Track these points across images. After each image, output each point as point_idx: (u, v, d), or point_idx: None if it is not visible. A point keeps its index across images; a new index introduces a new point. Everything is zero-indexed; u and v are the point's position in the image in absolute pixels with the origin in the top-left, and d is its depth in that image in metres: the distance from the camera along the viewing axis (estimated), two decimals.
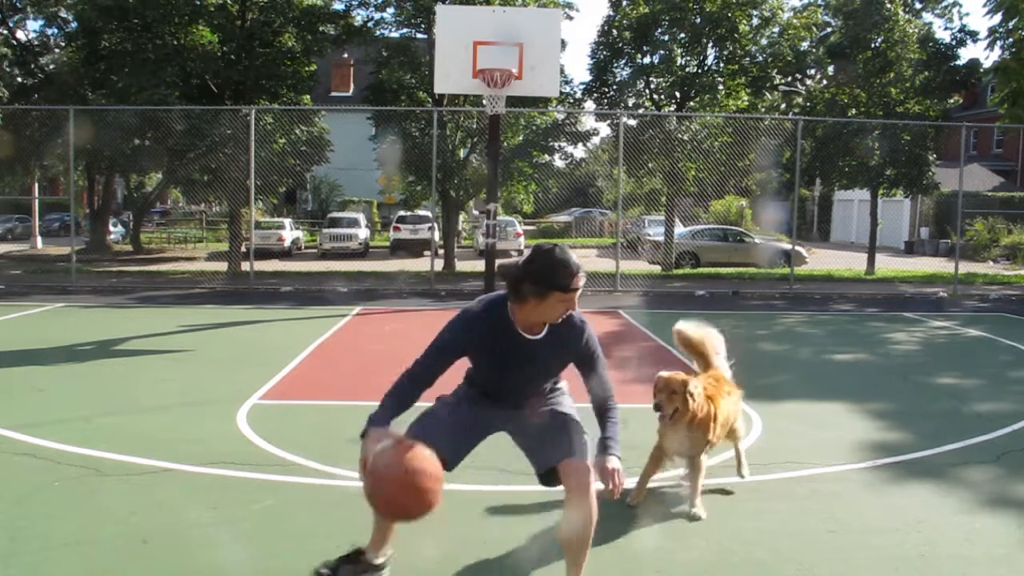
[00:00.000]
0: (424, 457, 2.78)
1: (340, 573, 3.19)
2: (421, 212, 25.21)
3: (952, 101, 20.55)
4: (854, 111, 19.43)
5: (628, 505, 4.18)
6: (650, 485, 4.42)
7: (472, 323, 3.03)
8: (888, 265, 21.48)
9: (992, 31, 18.11)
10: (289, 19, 17.68)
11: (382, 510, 2.88)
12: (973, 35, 19.41)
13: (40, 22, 21.95)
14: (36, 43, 21.93)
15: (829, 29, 20.75)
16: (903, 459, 5.06)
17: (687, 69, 19.11)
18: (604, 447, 3.01)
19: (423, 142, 18.18)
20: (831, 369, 8.45)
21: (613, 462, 2.95)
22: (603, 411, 3.13)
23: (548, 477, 3.18)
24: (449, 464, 3.07)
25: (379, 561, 3.21)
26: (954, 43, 19.21)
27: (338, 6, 18.84)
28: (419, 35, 19.59)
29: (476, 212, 32.30)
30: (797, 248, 18.80)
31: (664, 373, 4.13)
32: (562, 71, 17.18)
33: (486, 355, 3.07)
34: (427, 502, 2.72)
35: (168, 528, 3.83)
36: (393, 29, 19.80)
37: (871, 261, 19.89)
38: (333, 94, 39.33)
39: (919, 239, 31.77)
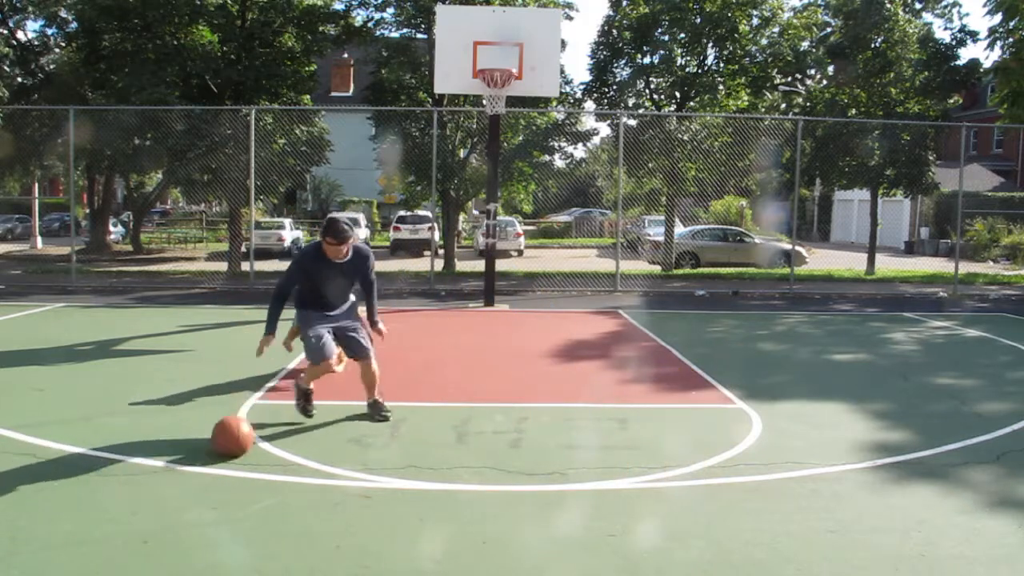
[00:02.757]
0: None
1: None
2: (421, 212, 25.21)
3: (952, 101, 20.54)
4: (854, 111, 19.43)
5: None
6: (650, 485, 4.41)
7: (310, 254, 5.66)
8: (888, 265, 21.48)
9: (992, 31, 18.11)
10: (289, 19, 17.67)
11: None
12: (973, 35, 19.41)
13: (40, 22, 21.94)
14: (36, 43, 21.93)
15: (829, 29, 20.74)
16: (903, 459, 5.06)
17: (687, 69, 19.11)
18: (372, 318, 5.95)
19: (423, 142, 18.19)
20: (831, 369, 8.45)
21: (380, 326, 5.93)
22: (366, 290, 5.85)
23: (350, 356, 6.00)
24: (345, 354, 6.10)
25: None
26: (954, 43, 19.21)
27: (338, 6, 18.84)
28: (419, 35, 19.58)
29: (476, 212, 32.34)
30: (797, 248, 18.80)
31: None
32: (562, 71, 17.17)
33: (314, 275, 5.64)
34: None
35: (168, 528, 3.83)
36: (393, 29, 19.81)
37: (871, 261, 19.89)
38: (333, 94, 39.35)
39: (919, 239, 31.78)
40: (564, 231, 35.73)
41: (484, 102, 11.50)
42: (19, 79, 21.03)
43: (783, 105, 21.39)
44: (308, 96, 19.04)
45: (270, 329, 5.64)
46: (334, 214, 24.62)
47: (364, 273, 5.73)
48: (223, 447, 4.86)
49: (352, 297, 5.93)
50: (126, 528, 3.82)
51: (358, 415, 5.95)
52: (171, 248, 27.60)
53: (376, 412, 5.82)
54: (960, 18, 27.80)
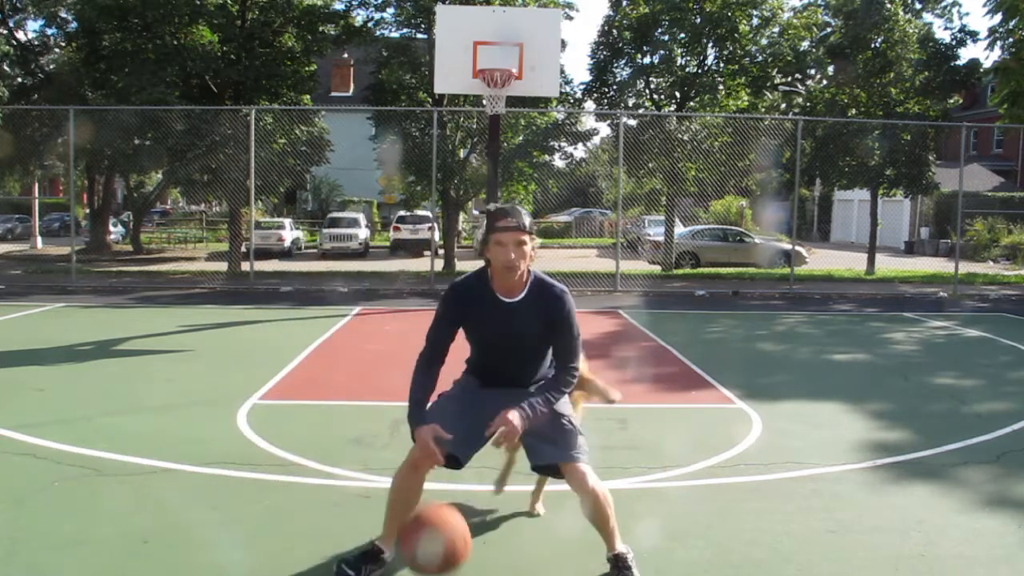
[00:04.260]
0: (461, 547, 2.90)
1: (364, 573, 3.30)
2: (421, 212, 25.21)
3: (952, 101, 20.54)
4: (854, 111, 19.43)
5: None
6: (650, 485, 4.41)
7: (457, 288, 3.32)
8: (888, 265, 21.48)
9: (992, 31, 18.14)
10: (289, 19, 17.68)
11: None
12: (973, 35, 19.43)
13: (40, 22, 21.99)
14: (36, 43, 21.94)
15: (829, 29, 20.73)
16: (903, 459, 5.05)
17: (687, 69, 19.11)
18: (525, 399, 3.20)
19: (423, 142, 18.19)
20: (831, 369, 8.45)
21: (513, 415, 3.09)
22: (557, 371, 3.34)
23: (541, 469, 3.42)
24: (460, 462, 3.31)
25: (390, 557, 3.36)
26: (954, 43, 19.22)
27: (338, 6, 18.85)
28: (419, 35, 19.58)
29: (476, 212, 32.34)
30: (797, 248, 18.79)
31: None
32: (562, 71, 17.18)
33: (472, 320, 3.29)
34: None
35: (168, 528, 3.83)
36: (393, 29, 19.82)
37: (871, 261, 19.89)
38: (333, 94, 39.34)
39: (919, 239, 31.77)
40: (564, 231, 35.72)
41: (484, 102, 11.49)
42: (19, 79, 21.04)
43: (783, 105, 21.39)
44: (308, 96, 19.04)
45: (416, 418, 3.19)
46: (334, 214, 24.40)
47: (555, 322, 3.26)
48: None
49: (560, 371, 3.35)
50: (126, 528, 3.81)
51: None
52: (171, 248, 27.59)
53: (620, 571, 3.28)
54: (960, 18, 27.79)
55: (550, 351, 3.39)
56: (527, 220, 3.18)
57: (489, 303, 3.23)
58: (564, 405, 3.39)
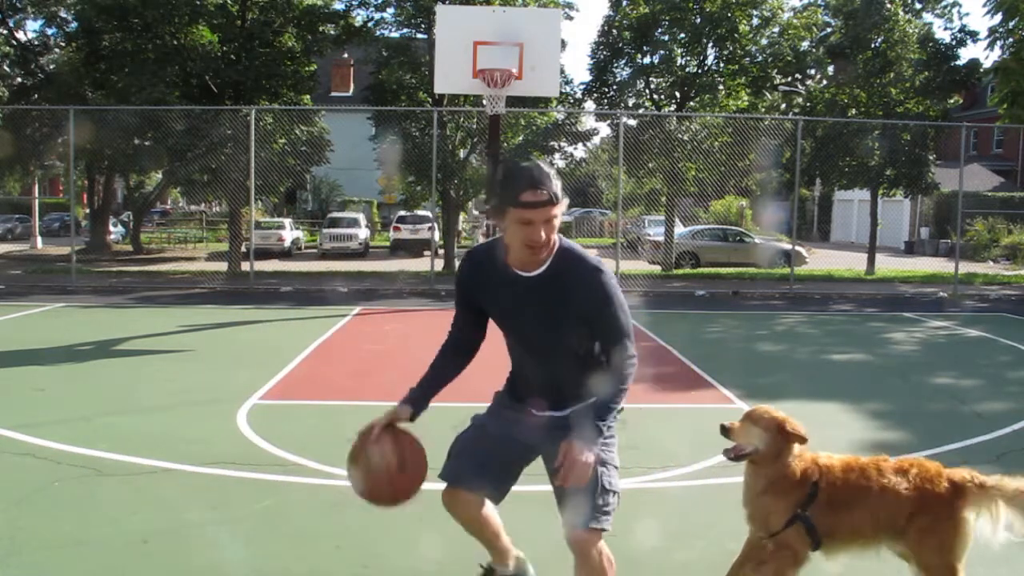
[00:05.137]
0: (413, 465, 2.72)
1: None
2: (421, 212, 25.21)
3: (952, 101, 20.55)
4: (854, 111, 19.43)
5: None
6: (650, 485, 4.40)
7: (468, 260, 2.77)
8: (888, 265, 21.47)
9: (992, 31, 18.13)
10: (289, 19, 17.68)
11: (360, 493, 2.76)
12: (973, 35, 19.44)
13: (40, 22, 21.97)
14: (36, 43, 21.93)
15: (829, 29, 20.74)
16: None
17: (687, 69, 19.11)
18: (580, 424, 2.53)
19: (423, 142, 18.18)
20: (831, 369, 8.45)
21: (575, 446, 2.46)
22: (609, 365, 2.62)
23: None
24: (496, 498, 2.88)
25: (511, 571, 3.05)
26: (954, 43, 19.22)
27: (338, 6, 18.87)
28: (419, 35, 19.59)
29: (476, 212, 32.32)
30: (797, 248, 18.79)
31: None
32: (562, 71, 17.19)
33: (486, 300, 2.71)
34: (396, 499, 2.75)
35: (168, 528, 3.83)
36: (393, 29, 19.84)
37: (871, 261, 19.89)
38: (333, 94, 39.33)
39: (919, 239, 31.76)
40: (564, 231, 35.56)
41: (484, 102, 11.50)
42: (19, 79, 21.03)
43: (783, 105, 21.39)
44: (308, 96, 19.04)
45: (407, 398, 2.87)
46: (334, 214, 24.37)
47: (594, 309, 2.57)
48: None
49: (597, 387, 2.64)
50: (126, 528, 3.81)
51: None
52: (171, 248, 27.58)
53: None
54: (960, 18, 27.84)
55: (595, 349, 2.65)
56: (558, 186, 2.46)
57: (502, 278, 2.60)
58: (610, 442, 2.68)
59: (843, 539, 2.92)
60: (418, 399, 2.82)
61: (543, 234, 2.46)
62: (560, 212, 2.47)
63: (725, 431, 2.93)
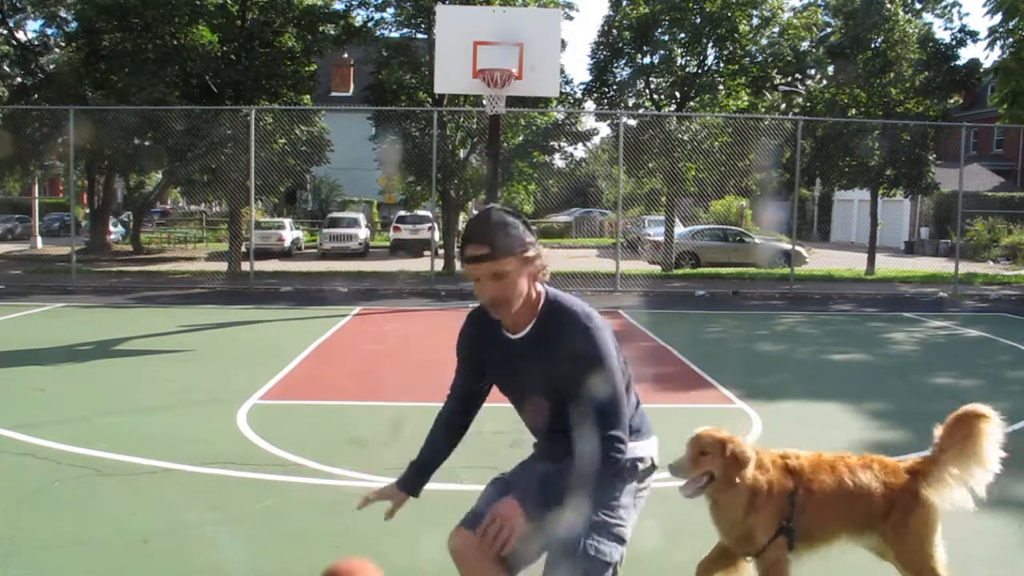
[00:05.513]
0: None
1: None
2: (421, 212, 25.21)
3: (952, 101, 20.55)
4: (854, 111, 19.43)
5: None
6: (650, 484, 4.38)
7: (469, 318, 2.53)
8: (888, 265, 21.47)
9: (992, 31, 18.13)
10: (289, 19, 17.68)
11: None
12: (973, 35, 19.44)
13: (40, 22, 21.99)
14: (36, 43, 21.94)
15: (829, 29, 20.75)
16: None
17: (687, 69, 19.11)
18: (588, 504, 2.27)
19: (423, 142, 18.19)
20: (830, 369, 8.45)
21: (503, 503, 2.22)
22: (585, 441, 2.19)
23: None
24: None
25: None
26: (954, 43, 19.22)
27: (338, 6, 18.88)
28: (419, 35, 19.60)
29: (476, 212, 32.28)
30: (797, 248, 18.80)
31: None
32: (562, 71, 17.19)
33: (484, 363, 2.50)
34: None
35: (168, 528, 3.83)
36: (393, 29, 19.85)
37: (871, 261, 19.89)
38: (333, 94, 39.34)
39: (919, 239, 31.76)
40: (564, 231, 35.71)
41: (484, 102, 11.50)
42: (19, 79, 21.04)
43: (783, 105, 21.39)
44: (308, 96, 19.05)
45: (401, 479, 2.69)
46: (334, 214, 24.36)
47: (575, 360, 2.23)
48: None
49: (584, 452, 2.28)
50: (126, 528, 3.82)
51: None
52: (171, 248, 27.59)
53: None
54: (960, 18, 27.81)
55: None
56: (509, 237, 2.18)
57: (495, 340, 2.38)
58: (620, 509, 2.35)
59: (819, 539, 2.91)
60: (411, 482, 2.64)
61: (488, 291, 2.20)
62: (522, 264, 2.21)
63: (675, 470, 2.79)
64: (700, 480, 2.80)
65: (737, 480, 2.76)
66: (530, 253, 2.23)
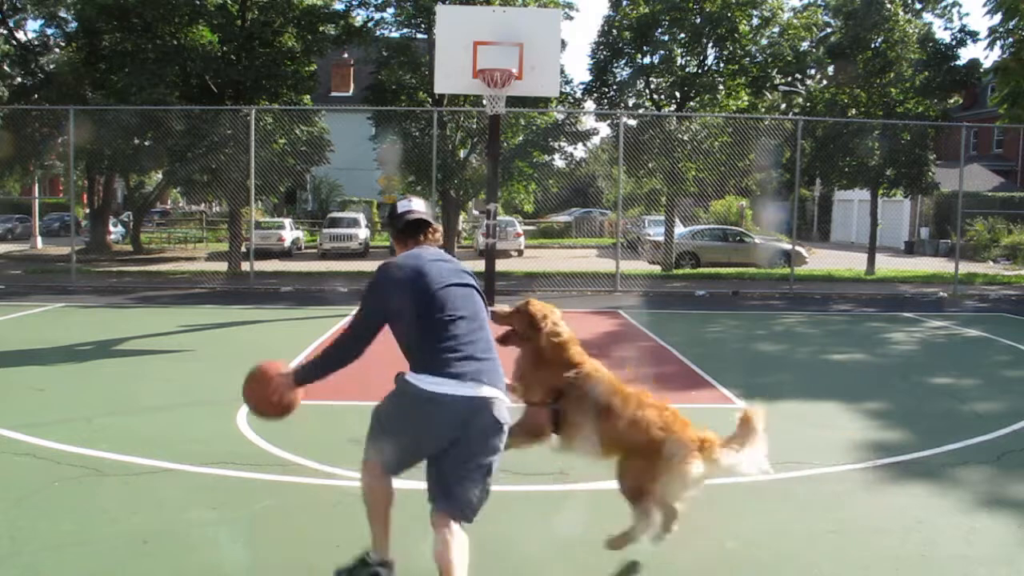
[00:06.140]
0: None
1: None
2: None
3: (952, 101, 20.54)
4: (854, 111, 19.43)
5: None
6: None
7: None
8: (888, 265, 21.47)
9: (992, 31, 18.10)
10: (289, 19, 17.68)
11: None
12: (973, 35, 19.42)
13: (40, 22, 21.96)
14: (36, 43, 21.92)
15: (829, 29, 20.74)
16: (903, 459, 5.05)
17: (687, 69, 19.11)
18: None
19: (423, 142, 18.18)
20: (830, 369, 8.45)
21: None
22: None
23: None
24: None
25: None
26: (954, 43, 19.21)
27: (338, 6, 18.88)
28: (419, 35, 19.60)
29: (476, 212, 32.31)
30: (797, 248, 18.80)
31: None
32: (562, 71, 17.18)
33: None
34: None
35: (168, 528, 3.83)
36: (393, 29, 19.84)
37: (871, 261, 19.88)
38: (333, 94, 39.33)
39: (919, 239, 31.76)
40: (564, 231, 35.72)
41: (484, 102, 11.49)
42: (19, 79, 21.03)
43: (783, 105, 21.38)
44: (308, 96, 19.04)
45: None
46: (334, 214, 24.37)
47: None
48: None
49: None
50: (126, 528, 3.82)
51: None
52: (171, 248, 27.59)
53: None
54: (960, 18, 27.82)
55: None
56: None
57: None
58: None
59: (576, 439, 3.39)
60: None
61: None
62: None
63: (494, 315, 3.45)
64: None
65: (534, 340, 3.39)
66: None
